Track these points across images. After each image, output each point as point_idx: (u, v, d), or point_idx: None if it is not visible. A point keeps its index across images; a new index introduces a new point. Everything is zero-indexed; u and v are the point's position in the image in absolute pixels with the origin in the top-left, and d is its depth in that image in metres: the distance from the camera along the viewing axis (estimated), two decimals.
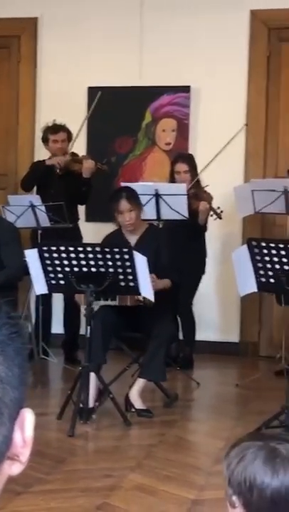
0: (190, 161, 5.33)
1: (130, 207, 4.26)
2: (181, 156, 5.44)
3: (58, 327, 5.64)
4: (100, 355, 4.05)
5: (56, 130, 5.41)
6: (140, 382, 4.12)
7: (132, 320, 4.17)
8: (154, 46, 5.99)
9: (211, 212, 5.09)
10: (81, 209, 5.73)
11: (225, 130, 5.60)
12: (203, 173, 5.36)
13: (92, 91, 6.06)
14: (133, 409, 4.08)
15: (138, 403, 4.08)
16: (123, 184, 5.09)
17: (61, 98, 6.03)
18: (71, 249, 3.89)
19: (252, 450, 1.41)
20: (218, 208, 5.05)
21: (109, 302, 4.02)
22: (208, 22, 5.88)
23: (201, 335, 5.55)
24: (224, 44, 5.88)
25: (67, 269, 3.91)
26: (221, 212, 5.04)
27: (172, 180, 5.30)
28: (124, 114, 6.02)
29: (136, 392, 4.09)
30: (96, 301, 3.96)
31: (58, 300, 5.50)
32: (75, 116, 5.87)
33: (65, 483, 3.06)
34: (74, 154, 5.46)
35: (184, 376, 5.04)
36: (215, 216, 5.07)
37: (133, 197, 4.31)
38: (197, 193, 5.14)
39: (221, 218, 5.07)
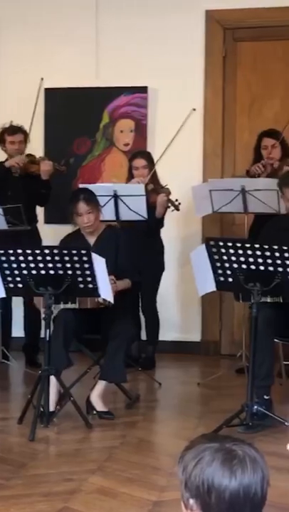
0: (148, 156, 5.35)
1: (88, 209, 4.25)
2: (139, 152, 5.46)
3: (18, 330, 5.60)
4: (64, 358, 4.02)
5: (13, 131, 5.36)
6: (101, 385, 4.11)
7: (93, 322, 4.16)
8: (110, 47, 5.98)
9: (169, 205, 5.09)
10: (40, 211, 5.69)
11: (182, 130, 5.60)
12: (162, 174, 5.36)
13: (49, 92, 6.03)
14: (94, 412, 4.07)
15: (99, 405, 4.06)
16: (81, 185, 5.07)
17: (18, 100, 5.98)
18: (29, 252, 3.85)
19: (208, 452, 1.41)
20: (176, 200, 5.06)
21: (69, 305, 3.99)
22: (164, 22, 5.89)
23: (163, 335, 5.56)
24: (180, 44, 5.89)
25: (25, 272, 3.88)
26: (179, 204, 5.05)
27: (130, 176, 5.30)
28: (82, 115, 6.00)
29: (97, 395, 4.08)
30: (56, 305, 3.93)
31: (18, 303, 5.46)
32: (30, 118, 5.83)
33: (26, 488, 3.03)
34: (30, 156, 5.42)
35: (146, 376, 5.03)
36: (173, 208, 5.08)
37: (91, 198, 4.30)
38: (155, 187, 5.15)
39: (178, 210, 5.08)
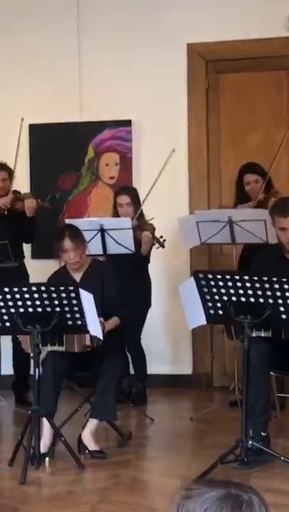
0: (132, 193, 5.32)
1: (74, 245, 4.22)
2: (124, 189, 5.44)
3: (7, 368, 5.52)
4: (51, 403, 3.95)
5: None
6: (92, 423, 4.03)
7: (82, 359, 4.09)
8: (94, 81, 6.00)
9: (154, 242, 5.06)
10: (26, 246, 5.65)
11: (167, 163, 5.59)
12: (148, 207, 5.34)
13: (33, 128, 6.03)
14: (86, 451, 3.99)
15: (91, 445, 3.98)
16: (68, 220, 5.04)
17: (1, 136, 5.97)
18: (15, 289, 3.80)
19: (215, 501, 1.34)
20: (161, 236, 5.03)
21: (57, 348, 3.93)
22: (147, 55, 5.93)
23: (154, 368, 5.50)
24: (163, 77, 5.92)
25: (12, 310, 3.82)
26: (164, 241, 5.02)
27: (115, 212, 5.28)
28: (67, 150, 6.00)
29: (88, 434, 4.00)
30: (43, 347, 3.86)
31: (6, 340, 5.38)
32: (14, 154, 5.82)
33: None
34: (16, 192, 5.39)
35: (138, 412, 4.96)
36: (158, 245, 5.05)
37: (76, 235, 4.27)
38: (140, 224, 5.13)
39: (163, 247, 5.05)
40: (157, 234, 5.05)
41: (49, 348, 3.90)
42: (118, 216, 5.23)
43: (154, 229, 5.09)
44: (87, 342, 3.94)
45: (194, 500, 1.34)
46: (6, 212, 5.26)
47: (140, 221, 5.17)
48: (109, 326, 4.12)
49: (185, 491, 1.38)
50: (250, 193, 5.21)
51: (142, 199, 5.34)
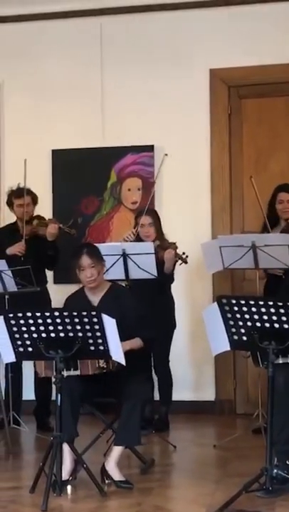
0: (153, 214, 5.33)
1: (91, 262, 4.18)
2: (144, 209, 5.45)
3: (29, 393, 5.49)
4: (71, 429, 3.90)
5: (20, 194, 5.37)
6: (116, 451, 3.96)
7: (102, 384, 4.05)
8: (116, 107, 6.04)
9: (177, 259, 5.04)
10: (49, 271, 5.65)
11: (190, 187, 5.61)
12: (171, 231, 5.33)
13: (56, 154, 6.07)
14: (109, 481, 3.93)
15: (117, 475, 3.92)
16: None
17: (26, 162, 6.01)
18: (38, 314, 3.79)
19: None
20: (184, 253, 5.01)
21: (72, 372, 3.89)
22: (169, 81, 5.96)
23: (176, 395, 5.44)
24: (186, 102, 5.94)
25: (34, 335, 3.81)
26: (187, 257, 5.00)
27: (137, 234, 5.27)
28: (89, 174, 6.03)
29: (113, 464, 3.93)
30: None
31: (28, 365, 5.36)
32: (40, 180, 5.86)
33: None
34: (40, 217, 5.41)
35: (160, 439, 4.91)
36: (180, 261, 5.03)
37: (94, 253, 4.24)
38: (161, 243, 5.13)
39: (186, 263, 5.03)
40: (179, 251, 5.04)
41: (65, 373, 3.86)
42: (139, 238, 5.22)
43: (176, 247, 5.08)
44: (102, 364, 3.90)
45: None
46: (27, 237, 5.28)
47: (162, 242, 5.17)
48: (126, 345, 4.03)
49: None
50: (281, 213, 5.20)
51: (165, 224, 5.34)
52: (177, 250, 5.07)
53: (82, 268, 4.18)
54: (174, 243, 5.14)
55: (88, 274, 4.18)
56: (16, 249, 5.26)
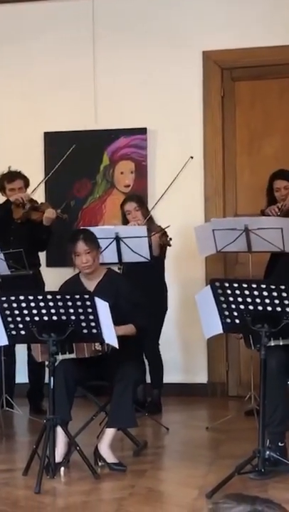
0: (137, 199, 5.33)
1: (87, 248, 4.18)
2: (128, 197, 5.45)
3: (22, 376, 5.50)
4: (65, 412, 3.91)
5: (12, 178, 5.33)
6: (109, 434, 3.97)
7: (95, 368, 4.05)
8: (109, 89, 6.00)
9: (161, 242, 5.04)
10: (42, 254, 5.64)
11: (183, 170, 5.58)
12: (164, 215, 5.33)
13: (48, 136, 6.03)
14: (102, 463, 3.94)
15: (110, 457, 3.93)
16: (83, 228, 5.03)
17: (17, 144, 5.98)
18: (31, 298, 3.79)
19: None
20: (167, 236, 5.00)
21: (67, 356, 3.90)
22: (162, 63, 5.92)
23: (169, 377, 5.47)
24: (179, 85, 5.91)
25: (27, 318, 3.81)
26: (170, 239, 5.00)
27: (125, 221, 5.26)
28: (82, 158, 5.99)
29: (106, 446, 3.94)
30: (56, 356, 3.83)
31: (21, 348, 5.37)
32: (32, 163, 5.83)
33: None
34: (33, 201, 5.39)
35: (153, 422, 4.92)
36: (164, 244, 5.04)
37: (90, 239, 4.23)
38: (149, 228, 5.13)
39: (169, 245, 5.03)
40: (171, 236, 5.04)
41: (60, 356, 3.87)
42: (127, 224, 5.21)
43: (161, 229, 5.08)
44: (97, 347, 3.91)
45: None
46: (19, 221, 5.26)
47: (150, 226, 5.16)
48: (119, 331, 4.03)
49: (212, 504, 1.36)
50: (279, 200, 5.20)
51: (158, 207, 5.33)
52: (164, 234, 5.06)
53: (78, 254, 4.18)
54: (160, 226, 5.13)
55: (84, 260, 4.17)
56: (21, 194, 5.20)
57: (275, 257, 4.94)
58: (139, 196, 5.43)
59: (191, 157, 5.38)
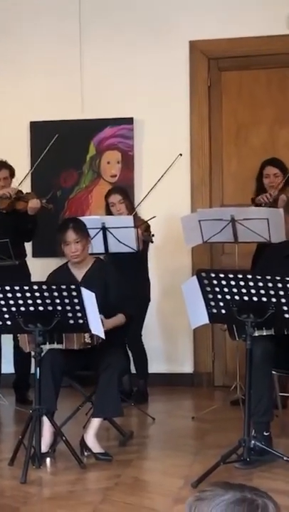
0: (121, 191, 5.31)
1: (76, 237, 4.17)
2: (113, 189, 5.44)
3: (8, 367, 5.49)
4: (51, 402, 3.91)
5: None
6: (95, 423, 3.98)
7: (82, 358, 4.05)
8: (95, 79, 5.97)
9: (144, 238, 5.04)
10: (28, 245, 5.62)
11: (169, 160, 5.57)
12: (150, 205, 5.32)
13: (34, 125, 6.00)
14: (88, 453, 3.95)
15: (96, 447, 3.93)
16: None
17: (2, 134, 5.95)
18: (17, 288, 3.77)
19: (230, 504, 1.30)
20: (150, 232, 5.00)
21: (56, 346, 3.90)
22: (149, 53, 5.90)
23: (154, 367, 5.47)
24: (165, 75, 5.89)
25: (13, 309, 3.80)
26: (153, 235, 5.00)
27: (109, 213, 5.25)
28: (68, 147, 5.97)
29: (92, 436, 3.94)
30: (43, 346, 3.83)
31: (7, 339, 5.36)
32: (17, 152, 5.80)
33: None
34: (19, 192, 5.36)
35: (139, 411, 4.93)
36: (146, 240, 5.04)
37: (80, 228, 4.22)
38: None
39: (152, 242, 5.03)
40: (147, 231, 5.03)
41: (48, 346, 3.87)
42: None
43: (144, 222, 5.07)
44: (87, 339, 3.91)
45: (208, 502, 1.30)
46: (5, 210, 5.23)
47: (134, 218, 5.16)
48: (109, 324, 4.05)
49: (199, 492, 1.34)
50: (268, 188, 5.19)
51: (143, 197, 5.32)
52: (147, 228, 5.06)
53: (67, 243, 4.17)
54: (143, 220, 5.12)
55: (73, 249, 4.17)
56: (7, 189, 5.18)
57: (261, 247, 4.94)
58: (123, 189, 5.42)
59: (180, 154, 5.38)
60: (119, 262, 4.91)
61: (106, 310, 3.92)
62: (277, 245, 4.31)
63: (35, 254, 5.85)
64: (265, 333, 3.67)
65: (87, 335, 3.90)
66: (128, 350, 5.27)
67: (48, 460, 3.85)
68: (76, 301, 3.74)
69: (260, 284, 3.51)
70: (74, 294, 3.74)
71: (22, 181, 5.36)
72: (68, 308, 3.76)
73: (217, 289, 3.61)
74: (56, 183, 6.01)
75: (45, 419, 3.85)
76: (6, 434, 4.75)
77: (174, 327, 5.84)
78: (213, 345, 5.87)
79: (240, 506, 1.28)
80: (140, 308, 5.23)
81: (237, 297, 3.58)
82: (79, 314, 3.77)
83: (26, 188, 5.66)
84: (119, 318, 4.17)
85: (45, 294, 3.75)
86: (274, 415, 3.92)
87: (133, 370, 5.32)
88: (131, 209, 5.23)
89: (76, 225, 4.21)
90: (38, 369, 3.79)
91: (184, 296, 3.79)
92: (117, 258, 4.92)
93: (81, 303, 3.75)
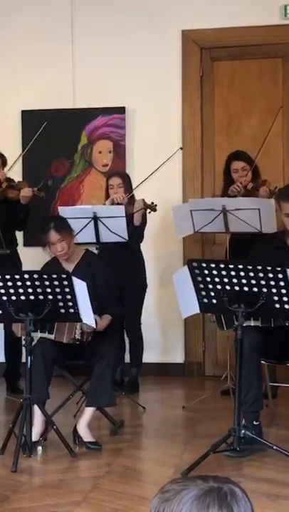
0: (124, 176, 5.32)
1: (60, 237, 4.13)
2: (116, 172, 5.45)
3: None
4: (42, 390, 3.92)
5: None
6: (87, 413, 3.98)
7: (73, 348, 4.06)
8: (87, 68, 5.95)
9: (145, 207, 5.05)
10: (19, 234, 5.61)
11: (161, 150, 5.57)
12: (142, 195, 5.31)
13: (26, 114, 5.98)
14: (79, 442, 3.96)
15: (87, 436, 3.94)
16: (60, 208, 5.01)
17: None
18: (8, 277, 3.77)
19: (200, 497, 1.28)
20: (152, 202, 5.01)
21: (47, 335, 3.91)
22: (141, 42, 5.88)
23: (145, 357, 5.48)
24: (157, 64, 5.88)
25: (4, 298, 3.79)
26: (155, 205, 5.02)
27: (107, 196, 5.26)
28: (60, 136, 5.95)
29: (84, 425, 3.95)
30: (34, 333, 3.83)
31: None
32: (8, 141, 5.78)
33: None
34: (10, 180, 5.34)
35: (130, 401, 4.95)
36: (149, 210, 5.05)
37: (62, 226, 4.17)
38: (130, 200, 5.12)
39: (155, 210, 5.06)
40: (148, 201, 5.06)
41: (39, 334, 3.88)
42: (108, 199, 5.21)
43: (142, 199, 5.10)
44: (77, 336, 3.92)
45: (176, 501, 1.24)
46: None
47: (130, 199, 5.16)
48: (104, 323, 4.08)
49: (161, 493, 1.26)
50: (237, 181, 5.18)
51: (134, 187, 5.32)
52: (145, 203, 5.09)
53: (52, 243, 4.15)
54: (143, 199, 5.15)
55: (59, 249, 4.15)
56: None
57: (234, 240, 4.94)
58: (125, 174, 5.42)
59: (181, 148, 5.39)
60: (111, 251, 4.91)
61: (95, 301, 3.92)
62: (269, 236, 4.32)
63: (26, 243, 5.83)
64: (252, 324, 3.68)
65: (78, 331, 3.91)
66: (126, 336, 5.29)
67: (38, 449, 3.86)
68: (67, 290, 3.74)
69: (251, 274, 3.52)
70: (65, 283, 3.74)
71: (12, 166, 5.33)
72: (59, 297, 3.76)
73: (208, 279, 3.62)
74: (48, 173, 5.99)
75: (36, 408, 3.85)
76: None
77: (164, 317, 5.85)
78: (204, 336, 5.89)
79: (210, 497, 1.24)
80: (137, 296, 5.24)
81: (228, 287, 3.58)
82: (70, 303, 3.77)
83: (18, 177, 5.64)
84: (107, 319, 4.17)
85: (37, 283, 3.75)
86: (264, 405, 3.94)
87: (126, 358, 5.32)
88: (128, 195, 5.23)
89: (57, 224, 4.16)
90: (29, 358, 3.79)
91: (175, 285, 3.79)
92: (109, 247, 4.92)
93: (72, 292, 3.75)
